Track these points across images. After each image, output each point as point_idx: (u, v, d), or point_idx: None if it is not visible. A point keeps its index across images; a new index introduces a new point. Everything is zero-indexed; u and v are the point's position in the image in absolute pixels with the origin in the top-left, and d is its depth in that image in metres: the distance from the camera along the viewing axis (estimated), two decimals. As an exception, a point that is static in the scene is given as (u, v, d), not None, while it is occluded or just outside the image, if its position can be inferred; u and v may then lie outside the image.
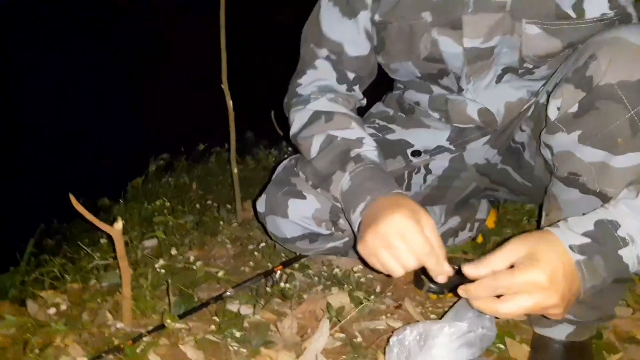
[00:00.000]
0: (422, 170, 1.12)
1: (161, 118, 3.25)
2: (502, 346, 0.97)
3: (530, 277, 0.64)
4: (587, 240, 0.67)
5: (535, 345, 0.94)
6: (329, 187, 0.92)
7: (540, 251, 0.65)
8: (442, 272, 0.74)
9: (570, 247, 0.66)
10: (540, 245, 0.66)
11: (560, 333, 0.91)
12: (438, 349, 0.80)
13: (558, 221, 0.71)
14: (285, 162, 1.12)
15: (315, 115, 0.99)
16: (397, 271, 0.75)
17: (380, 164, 0.91)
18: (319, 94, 1.03)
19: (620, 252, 0.66)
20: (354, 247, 0.83)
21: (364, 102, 1.12)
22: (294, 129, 1.02)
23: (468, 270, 0.69)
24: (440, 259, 0.74)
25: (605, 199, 0.75)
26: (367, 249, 0.77)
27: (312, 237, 1.07)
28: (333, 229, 1.04)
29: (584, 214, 0.71)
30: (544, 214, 0.90)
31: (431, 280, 0.76)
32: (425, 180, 1.13)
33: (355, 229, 0.84)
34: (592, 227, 0.68)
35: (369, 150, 0.92)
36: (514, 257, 0.66)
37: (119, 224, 0.97)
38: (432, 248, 0.73)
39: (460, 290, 0.70)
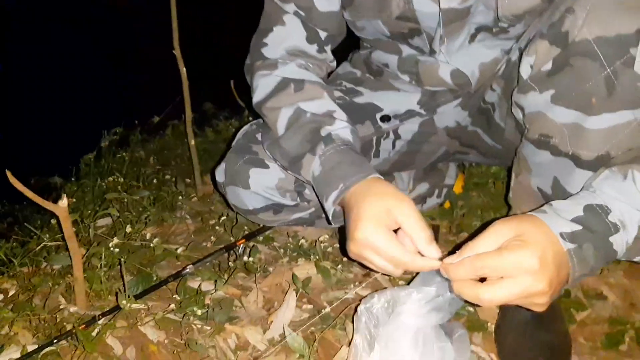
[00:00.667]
0: (391, 136, 1.08)
1: (113, 90, 3.10)
2: (471, 309, 0.97)
3: (519, 258, 0.58)
4: (577, 227, 0.62)
5: (504, 307, 0.94)
6: (300, 170, 0.86)
7: (529, 233, 0.60)
8: (430, 267, 0.68)
9: (561, 235, 0.61)
10: (528, 227, 0.61)
11: (528, 294, 0.91)
12: (406, 315, 0.77)
13: (542, 205, 0.66)
14: (246, 127, 1.05)
15: (284, 83, 0.91)
16: (393, 273, 0.72)
17: (352, 142, 0.85)
18: (288, 58, 0.95)
19: (611, 239, 0.62)
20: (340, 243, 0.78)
21: (334, 64, 1.05)
22: (258, 97, 0.94)
23: (451, 260, 0.63)
24: (427, 247, 0.68)
25: (577, 161, 0.73)
26: (353, 255, 0.74)
27: (277, 208, 1.02)
28: (298, 199, 1.00)
29: (568, 198, 0.66)
30: (513, 175, 0.88)
31: None
32: (394, 146, 1.10)
33: (330, 218, 0.79)
34: (581, 213, 0.63)
35: (341, 127, 0.85)
36: (500, 241, 0.61)
37: (63, 202, 0.90)
38: (407, 254, 0.68)
39: (441, 269, 0.66)
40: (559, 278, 0.60)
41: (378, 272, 0.74)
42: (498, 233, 0.61)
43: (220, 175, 1.02)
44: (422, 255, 0.69)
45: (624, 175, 0.65)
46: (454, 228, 1.21)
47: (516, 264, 0.58)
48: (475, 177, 1.36)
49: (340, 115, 0.88)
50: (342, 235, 0.75)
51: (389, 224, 0.70)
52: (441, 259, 0.67)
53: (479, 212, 1.24)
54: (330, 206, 0.78)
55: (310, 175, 0.84)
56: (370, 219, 0.69)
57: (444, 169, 1.25)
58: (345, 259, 1.15)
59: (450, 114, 1.07)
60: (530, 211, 0.65)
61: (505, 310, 0.94)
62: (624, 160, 0.67)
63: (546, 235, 0.60)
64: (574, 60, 0.69)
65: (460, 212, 1.24)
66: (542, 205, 0.66)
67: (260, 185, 0.97)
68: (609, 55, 0.66)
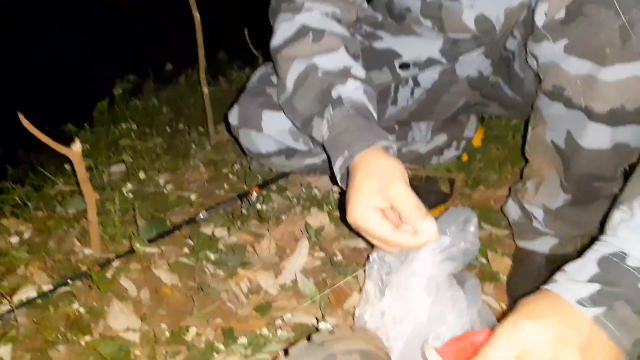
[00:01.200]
0: (410, 83, 1.04)
1: (126, 37, 3.04)
2: (484, 260, 0.96)
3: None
4: (595, 287, 0.49)
5: (518, 258, 0.93)
6: (312, 132, 0.83)
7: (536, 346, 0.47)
8: (424, 242, 0.67)
9: (580, 302, 0.49)
10: (535, 311, 0.49)
11: (543, 246, 0.89)
12: (419, 264, 0.76)
13: (554, 273, 0.55)
14: (260, 70, 1.03)
15: (303, 31, 0.86)
16: (390, 252, 0.71)
17: (365, 103, 0.80)
18: (314, 2, 0.89)
19: None
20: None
21: (365, 4, 1.00)
22: (275, 41, 0.89)
23: None
24: (420, 223, 0.65)
25: (590, 114, 0.70)
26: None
27: (289, 152, 1.01)
28: (311, 144, 0.98)
29: (581, 257, 0.54)
30: (530, 128, 0.85)
31: None
32: (412, 94, 1.06)
33: (339, 183, 0.77)
34: (596, 269, 0.51)
35: (353, 88, 0.80)
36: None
37: (76, 145, 0.90)
38: (395, 234, 0.66)
39: None
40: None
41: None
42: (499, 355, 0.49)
43: (233, 117, 1.01)
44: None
45: (631, 209, 0.54)
46: (471, 181, 1.19)
47: None
48: (495, 129, 1.32)
49: (356, 72, 0.83)
50: (343, 203, 0.73)
51: (380, 203, 0.68)
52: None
53: (497, 166, 1.21)
54: (337, 171, 0.76)
55: (321, 138, 0.81)
56: (357, 203, 0.68)
57: (464, 121, 1.21)
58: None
59: (472, 63, 1.02)
60: (544, 283, 0.53)
61: (519, 261, 0.93)
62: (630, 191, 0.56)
63: (558, 313, 0.49)
64: (587, 8, 0.64)
65: (478, 165, 1.21)
66: (555, 273, 0.55)
67: (273, 129, 0.96)
68: (624, 3, 0.61)
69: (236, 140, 1.05)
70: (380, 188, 0.67)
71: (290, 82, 0.85)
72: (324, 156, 1.00)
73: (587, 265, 0.52)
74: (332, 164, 0.77)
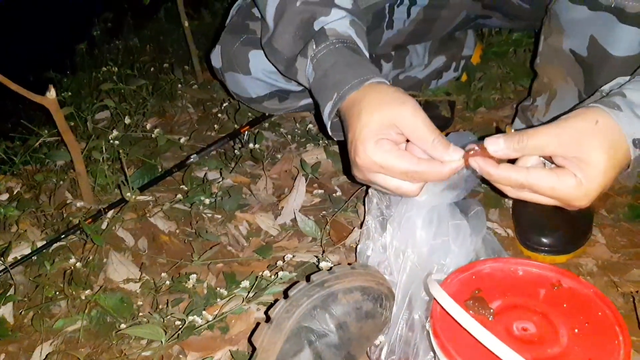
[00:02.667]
0: (406, 1, 0.96)
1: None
2: (487, 186, 0.93)
3: (572, 198, 0.52)
4: None
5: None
6: (297, 76, 0.73)
7: (593, 159, 0.50)
8: (454, 170, 0.57)
9: (635, 142, 0.51)
10: (592, 145, 0.50)
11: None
12: (419, 195, 0.74)
13: (609, 93, 0.54)
14: (239, 1, 0.93)
15: None
16: (411, 192, 0.61)
17: (353, 36, 0.69)
18: None
19: None
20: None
21: None
22: None
23: (492, 146, 0.53)
24: (445, 152, 0.57)
25: (621, 15, 0.63)
26: (361, 181, 0.63)
27: (282, 94, 0.94)
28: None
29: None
30: (542, 38, 0.78)
31: None
32: (409, 14, 0.97)
33: (329, 132, 0.68)
34: None
35: (338, 19, 0.70)
36: (553, 149, 0.52)
37: (51, 93, 0.84)
38: (423, 163, 0.57)
39: (474, 162, 0.55)
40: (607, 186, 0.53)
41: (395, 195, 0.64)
42: (555, 139, 0.52)
43: (216, 60, 0.93)
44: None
45: None
46: (471, 103, 1.14)
47: (565, 199, 0.52)
48: (494, 45, 1.24)
49: (341, 1, 0.72)
50: (344, 154, 0.64)
51: (393, 137, 0.58)
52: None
53: (498, 85, 1.15)
54: (327, 119, 0.66)
55: (307, 82, 0.71)
56: (368, 138, 0.57)
57: (462, 38, 1.13)
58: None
59: None
60: (600, 100, 0.53)
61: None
62: None
63: (612, 156, 0.51)
64: None
65: (478, 85, 1.15)
66: (611, 94, 0.54)
67: (262, 70, 0.88)
68: None
69: (222, 84, 0.98)
70: (392, 119, 0.58)
71: (270, 18, 0.74)
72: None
73: None
74: (321, 112, 0.67)
